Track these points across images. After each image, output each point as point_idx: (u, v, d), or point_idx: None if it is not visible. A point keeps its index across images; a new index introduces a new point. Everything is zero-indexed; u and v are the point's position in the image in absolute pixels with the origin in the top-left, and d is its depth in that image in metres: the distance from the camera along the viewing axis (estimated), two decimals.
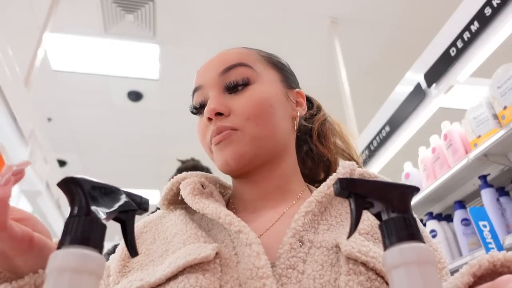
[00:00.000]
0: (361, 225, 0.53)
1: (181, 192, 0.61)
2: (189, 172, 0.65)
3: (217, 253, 0.50)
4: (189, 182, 0.61)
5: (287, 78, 0.68)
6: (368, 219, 0.56)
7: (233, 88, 0.61)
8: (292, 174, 0.65)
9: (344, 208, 0.59)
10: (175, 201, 0.64)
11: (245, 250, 0.49)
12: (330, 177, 0.61)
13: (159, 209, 0.68)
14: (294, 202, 0.62)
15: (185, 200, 0.59)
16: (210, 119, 0.60)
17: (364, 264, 0.47)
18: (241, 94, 0.61)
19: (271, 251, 0.51)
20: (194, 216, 0.62)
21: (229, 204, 0.66)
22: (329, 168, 0.73)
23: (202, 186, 0.62)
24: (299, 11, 3.45)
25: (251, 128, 0.58)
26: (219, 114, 0.59)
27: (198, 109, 0.65)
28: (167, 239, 0.57)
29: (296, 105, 0.67)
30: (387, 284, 0.47)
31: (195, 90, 0.64)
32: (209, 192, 0.62)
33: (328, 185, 0.58)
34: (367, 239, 0.53)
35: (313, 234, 0.53)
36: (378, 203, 0.36)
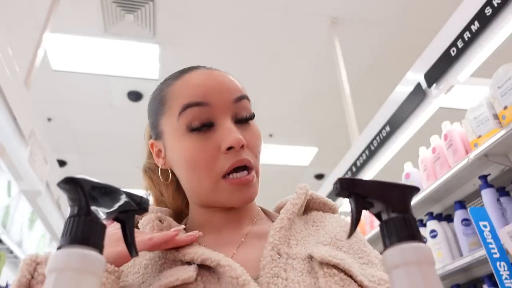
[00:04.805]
0: (322, 238, 0.60)
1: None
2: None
3: (197, 274, 0.52)
4: (146, 221, 0.62)
5: None
6: (326, 233, 0.61)
7: (243, 122, 0.63)
8: None
9: (303, 225, 0.64)
10: None
11: (224, 270, 0.51)
12: (293, 196, 0.66)
13: None
14: (254, 221, 0.66)
15: None
16: (230, 148, 0.58)
17: (335, 266, 0.53)
18: (248, 127, 0.63)
19: (250, 268, 0.53)
20: None
21: (187, 230, 0.65)
22: None
23: (160, 221, 0.62)
24: (299, 11, 3.45)
25: (258, 166, 0.63)
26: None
27: (201, 128, 0.59)
28: (139, 272, 0.57)
29: None
30: (355, 282, 0.52)
31: (199, 104, 0.59)
32: (168, 225, 0.62)
33: (293, 204, 0.64)
34: (331, 248, 0.58)
35: (287, 247, 0.57)
36: (378, 203, 0.36)
